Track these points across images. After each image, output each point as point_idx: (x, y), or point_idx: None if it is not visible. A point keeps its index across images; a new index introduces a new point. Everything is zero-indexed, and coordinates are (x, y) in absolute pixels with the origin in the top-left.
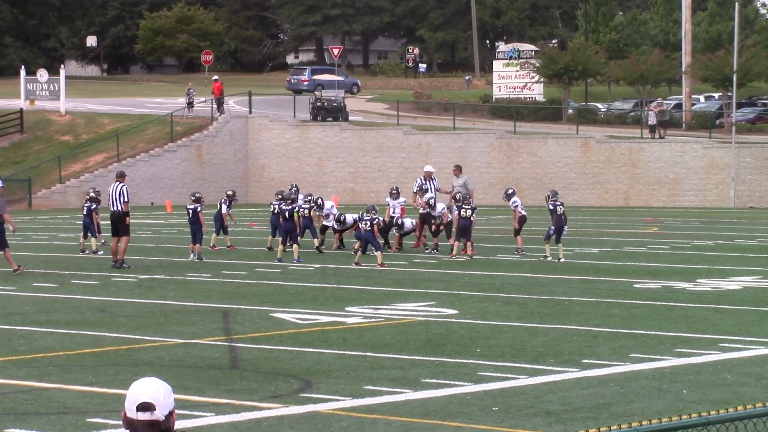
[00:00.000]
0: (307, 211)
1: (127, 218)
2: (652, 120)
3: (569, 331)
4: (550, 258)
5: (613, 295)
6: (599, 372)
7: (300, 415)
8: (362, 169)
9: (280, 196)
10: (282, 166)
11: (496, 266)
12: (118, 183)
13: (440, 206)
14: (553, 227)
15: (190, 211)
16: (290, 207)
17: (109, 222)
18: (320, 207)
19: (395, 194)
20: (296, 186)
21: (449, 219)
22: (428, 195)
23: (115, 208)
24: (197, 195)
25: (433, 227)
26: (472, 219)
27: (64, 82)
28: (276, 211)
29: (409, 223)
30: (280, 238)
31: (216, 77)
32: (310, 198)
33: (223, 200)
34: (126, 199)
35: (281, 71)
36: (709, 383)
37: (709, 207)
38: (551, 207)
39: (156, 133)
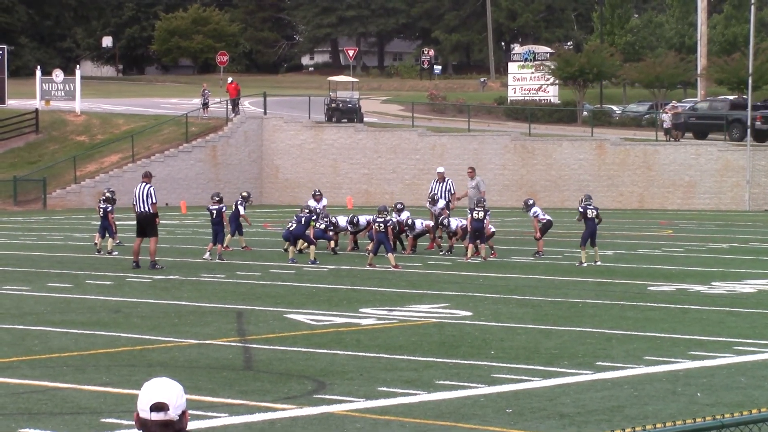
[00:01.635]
0: (323, 226)
1: (157, 219)
2: (667, 123)
3: (583, 333)
4: (585, 264)
5: (627, 297)
6: (613, 374)
7: (314, 416)
8: (377, 170)
9: (307, 210)
10: (297, 167)
11: (510, 268)
12: (144, 183)
13: (418, 222)
14: (584, 233)
15: (214, 212)
16: (307, 215)
17: (135, 222)
18: (335, 225)
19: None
20: (320, 192)
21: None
22: (440, 204)
23: (143, 209)
24: (220, 195)
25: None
26: (485, 221)
27: (80, 82)
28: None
29: (419, 224)
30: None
31: (231, 79)
32: (317, 213)
33: (239, 201)
34: (154, 200)
35: (296, 72)
36: (723, 386)
37: (724, 210)
38: (581, 209)
39: (171, 133)
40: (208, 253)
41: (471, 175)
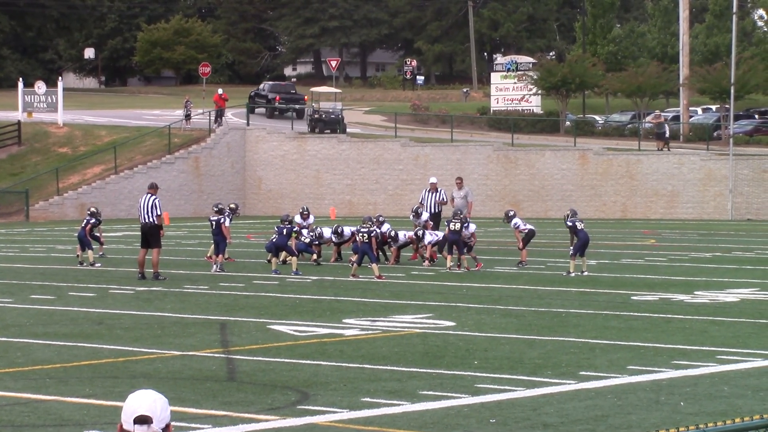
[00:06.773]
0: (308, 239)
1: (162, 231)
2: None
3: (567, 343)
4: (573, 274)
5: (610, 307)
6: (597, 384)
7: (297, 427)
8: (360, 181)
9: (287, 222)
10: (279, 178)
11: (493, 278)
12: (149, 195)
13: (401, 234)
14: (577, 244)
15: (214, 223)
16: (288, 226)
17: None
18: (320, 237)
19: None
20: (308, 210)
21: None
22: (424, 217)
23: (148, 220)
24: (221, 206)
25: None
26: (471, 233)
27: (62, 94)
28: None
29: (402, 235)
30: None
31: (221, 90)
32: (302, 227)
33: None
34: (159, 212)
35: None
36: (707, 395)
37: (707, 219)
38: (570, 224)
39: (153, 145)
40: (214, 265)
41: (459, 185)
